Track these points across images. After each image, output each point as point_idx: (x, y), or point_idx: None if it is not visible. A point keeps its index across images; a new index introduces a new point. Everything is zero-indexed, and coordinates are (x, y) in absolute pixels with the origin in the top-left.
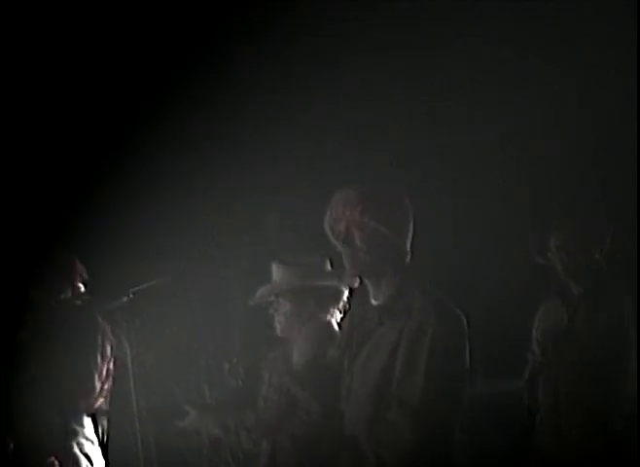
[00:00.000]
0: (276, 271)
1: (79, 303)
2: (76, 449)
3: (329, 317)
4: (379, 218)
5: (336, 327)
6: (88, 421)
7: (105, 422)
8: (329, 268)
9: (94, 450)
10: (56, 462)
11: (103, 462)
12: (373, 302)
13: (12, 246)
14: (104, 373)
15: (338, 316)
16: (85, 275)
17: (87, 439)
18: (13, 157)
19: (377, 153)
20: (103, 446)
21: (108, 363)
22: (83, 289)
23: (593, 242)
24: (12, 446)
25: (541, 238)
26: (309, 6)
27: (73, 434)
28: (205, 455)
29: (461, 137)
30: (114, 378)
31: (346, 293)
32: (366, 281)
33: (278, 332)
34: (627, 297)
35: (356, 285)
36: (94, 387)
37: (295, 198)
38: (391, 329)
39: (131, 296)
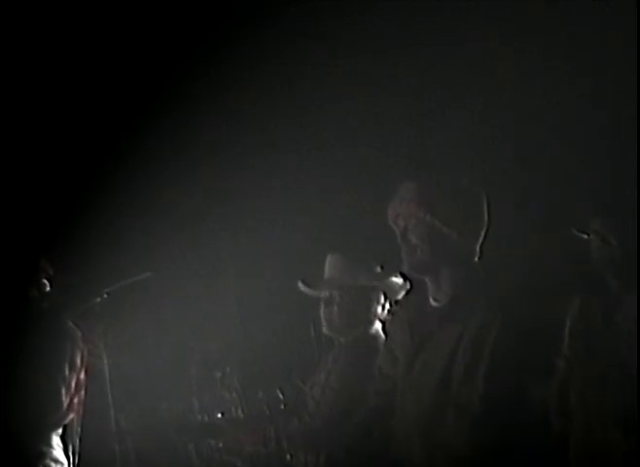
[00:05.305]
0: (331, 265)
1: (46, 304)
2: None
3: (377, 322)
4: (440, 215)
5: (382, 333)
6: (57, 441)
7: (77, 441)
8: (379, 269)
9: None
10: None
11: None
12: (433, 303)
13: None
14: (73, 385)
15: (389, 319)
16: (49, 271)
17: (55, 461)
18: None
19: (442, 147)
20: None
21: (78, 373)
22: (48, 287)
23: (633, 230)
24: None
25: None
26: (310, 6)
27: (40, 456)
28: None
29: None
30: (86, 391)
31: (400, 295)
32: (426, 280)
33: (325, 329)
34: None
35: (400, 296)
36: (62, 402)
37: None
38: (451, 333)
39: (105, 296)
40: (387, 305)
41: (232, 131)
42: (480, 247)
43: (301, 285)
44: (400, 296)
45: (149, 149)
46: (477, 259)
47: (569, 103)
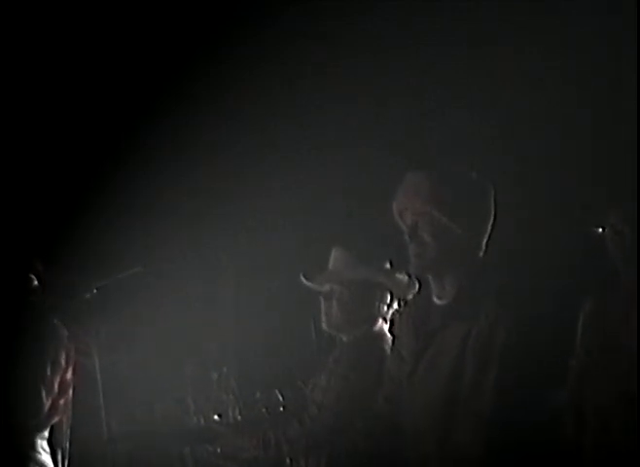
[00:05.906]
0: (334, 259)
1: (32, 301)
2: None
3: (382, 321)
4: (448, 211)
5: (388, 334)
6: (42, 445)
7: (66, 445)
8: (388, 266)
9: None
10: None
11: None
12: (437, 301)
13: None
14: (56, 386)
15: (396, 318)
16: (38, 267)
17: (42, 466)
18: None
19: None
20: None
21: (63, 374)
22: (36, 283)
23: None
24: None
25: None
26: (310, 6)
27: (25, 460)
28: None
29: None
30: (74, 392)
31: (409, 295)
32: (429, 278)
33: (324, 325)
34: None
35: (410, 295)
36: (42, 404)
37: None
38: (456, 332)
39: (95, 291)
40: (395, 305)
41: (232, 131)
42: (487, 243)
43: (302, 278)
44: (409, 295)
45: (149, 149)
46: (481, 255)
47: (568, 103)
